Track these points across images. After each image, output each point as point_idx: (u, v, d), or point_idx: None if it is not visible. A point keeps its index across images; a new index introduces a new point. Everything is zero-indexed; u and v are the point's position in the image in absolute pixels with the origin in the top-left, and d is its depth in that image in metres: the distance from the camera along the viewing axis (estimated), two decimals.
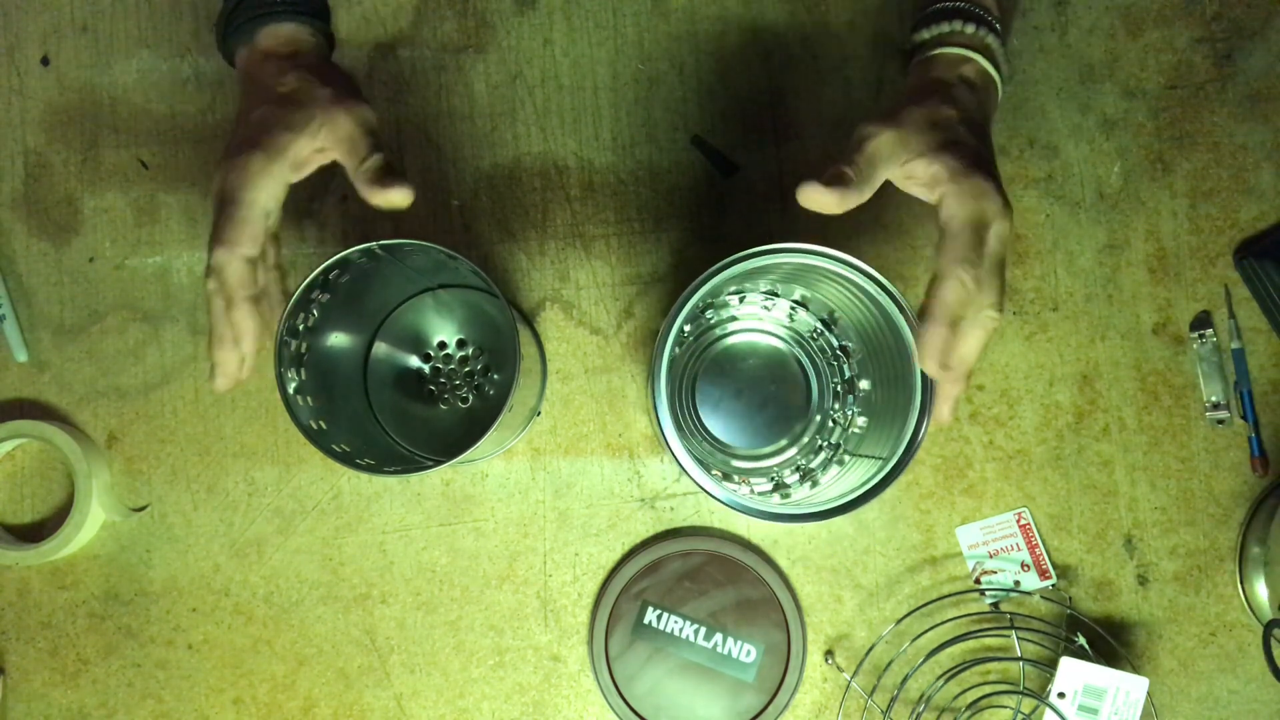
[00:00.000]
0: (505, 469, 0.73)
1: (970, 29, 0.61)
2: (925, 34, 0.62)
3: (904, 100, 0.59)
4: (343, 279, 0.62)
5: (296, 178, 0.59)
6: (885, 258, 0.74)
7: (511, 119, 0.75)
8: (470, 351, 0.73)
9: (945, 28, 0.62)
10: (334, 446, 0.60)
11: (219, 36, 0.63)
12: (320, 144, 0.58)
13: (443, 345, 0.73)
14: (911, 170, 0.56)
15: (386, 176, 0.56)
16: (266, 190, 0.57)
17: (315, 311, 0.63)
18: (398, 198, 0.56)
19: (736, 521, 0.73)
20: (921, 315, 0.55)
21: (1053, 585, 0.72)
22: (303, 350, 0.62)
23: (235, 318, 0.57)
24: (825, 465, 0.69)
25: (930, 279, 0.54)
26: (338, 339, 0.68)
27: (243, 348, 0.57)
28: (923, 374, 0.59)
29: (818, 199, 0.55)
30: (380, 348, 0.73)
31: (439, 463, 0.59)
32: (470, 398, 0.73)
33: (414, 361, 0.73)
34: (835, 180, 0.55)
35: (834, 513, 0.59)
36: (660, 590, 0.72)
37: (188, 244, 0.75)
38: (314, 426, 0.61)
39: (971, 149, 0.56)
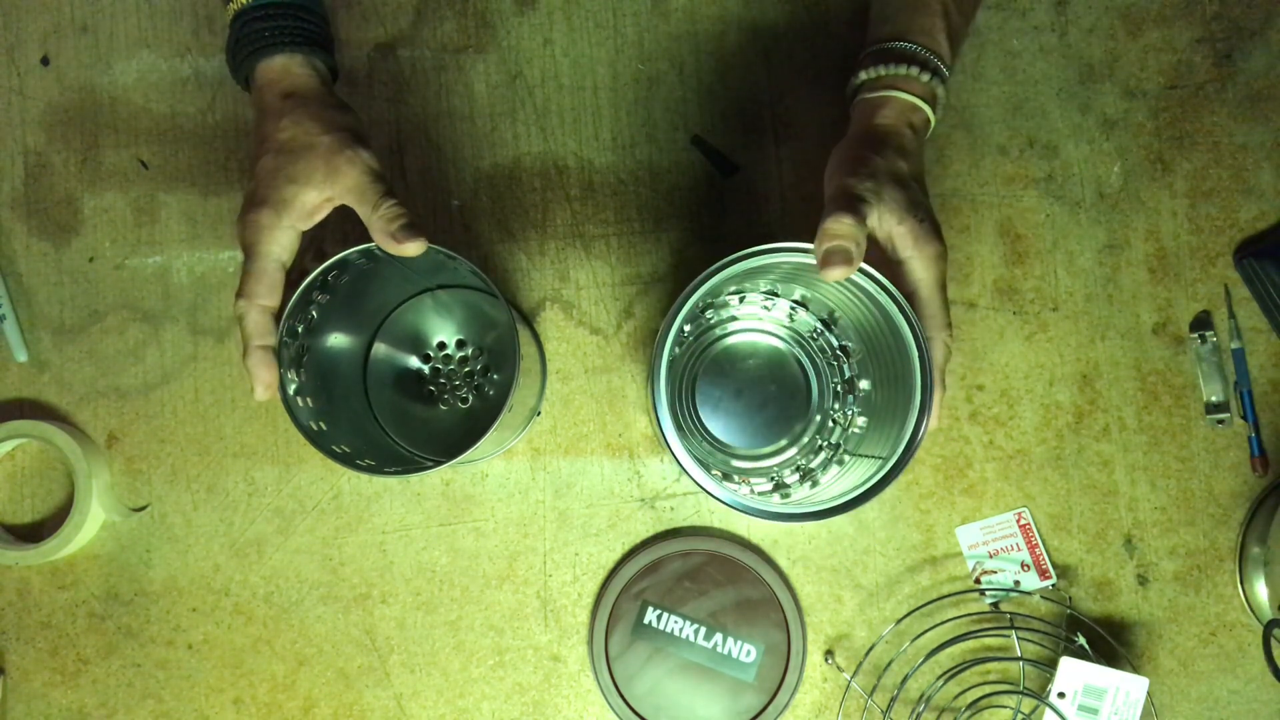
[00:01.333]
0: (505, 469, 0.73)
1: (925, 78, 0.63)
2: (881, 71, 0.63)
3: (861, 146, 0.61)
4: (342, 280, 0.62)
5: (307, 226, 0.61)
6: None
7: (511, 119, 0.75)
8: (470, 352, 0.73)
9: (901, 70, 0.63)
10: (334, 447, 0.60)
11: (231, 71, 0.64)
12: (327, 194, 0.60)
13: (442, 346, 0.73)
14: (880, 223, 0.59)
15: (400, 231, 0.58)
16: (279, 243, 0.59)
17: (314, 313, 0.63)
18: (412, 249, 0.59)
19: (736, 521, 0.73)
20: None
21: (1053, 585, 0.72)
22: (302, 351, 0.62)
23: (250, 364, 0.59)
24: (825, 465, 0.69)
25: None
26: (337, 340, 0.68)
27: (256, 393, 0.59)
28: (922, 374, 0.59)
29: (840, 275, 0.58)
30: (380, 348, 0.73)
31: (439, 463, 0.59)
32: (470, 398, 0.73)
33: (414, 362, 0.73)
34: (842, 258, 0.57)
35: (834, 513, 0.59)
36: (660, 590, 0.72)
37: (188, 244, 0.75)
38: (314, 428, 0.61)
39: (927, 208, 0.60)
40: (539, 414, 0.74)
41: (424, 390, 0.73)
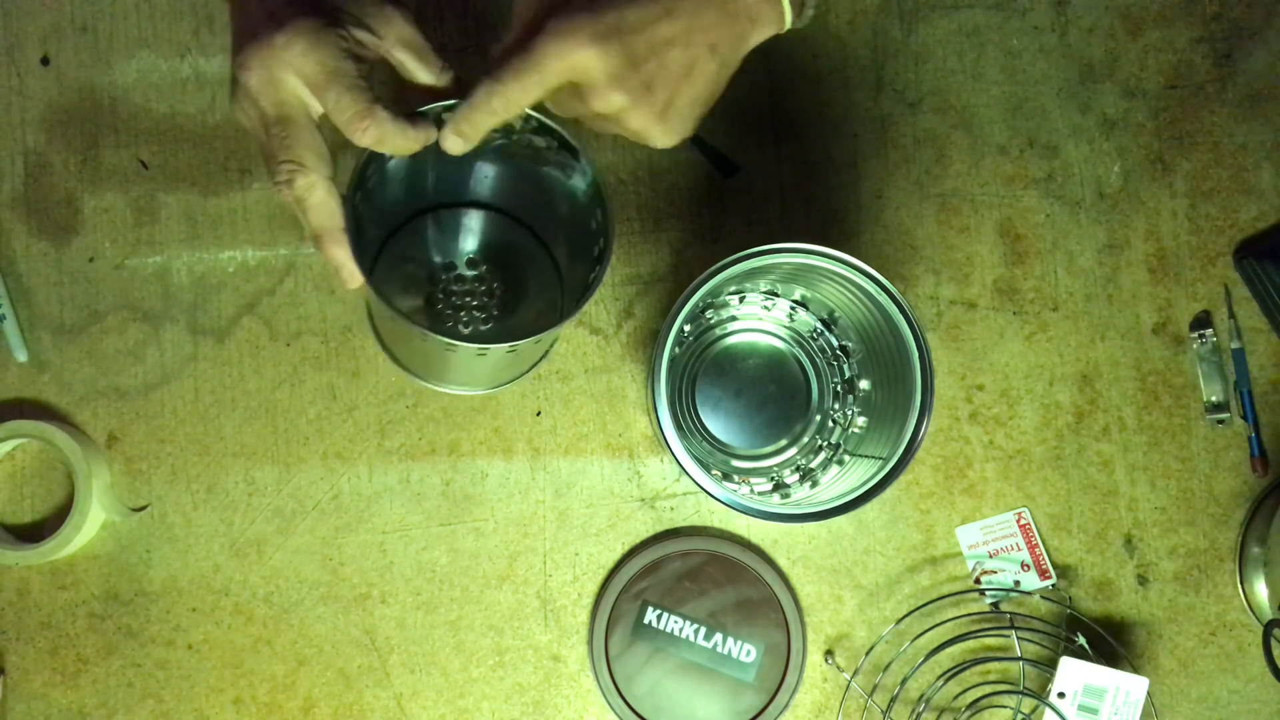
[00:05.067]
0: (505, 469, 0.73)
1: None
2: None
3: None
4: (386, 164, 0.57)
5: (354, 48, 0.49)
6: (885, 258, 0.74)
7: None
8: (483, 270, 0.69)
9: None
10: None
11: None
12: (379, 37, 0.50)
13: (451, 266, 0.68)
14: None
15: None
16: (341, 71, 0.48)
17: (373, 182, 0.57)
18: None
19: (736, 521, 0.73)
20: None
21: (1053, 585, 0.72)
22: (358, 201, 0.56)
23: (336, 255, 0.50)
24: (825, 465, 0.69)
25: None
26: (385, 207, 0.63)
27: (348, 284, 0.51)
28: (923, 374, 0.59)
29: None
30: (383, 271, 0.68)
31: (475, 340, 0.54)
32: (494, 316, 0.68)
33: (423, 283, 0.68)
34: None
35: (834, 513, 0.59)
36: (660, 590, 0.72)
37: (188, 244, 0.75)
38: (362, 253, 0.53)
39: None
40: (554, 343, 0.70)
41: (436, 312, 0.68)
